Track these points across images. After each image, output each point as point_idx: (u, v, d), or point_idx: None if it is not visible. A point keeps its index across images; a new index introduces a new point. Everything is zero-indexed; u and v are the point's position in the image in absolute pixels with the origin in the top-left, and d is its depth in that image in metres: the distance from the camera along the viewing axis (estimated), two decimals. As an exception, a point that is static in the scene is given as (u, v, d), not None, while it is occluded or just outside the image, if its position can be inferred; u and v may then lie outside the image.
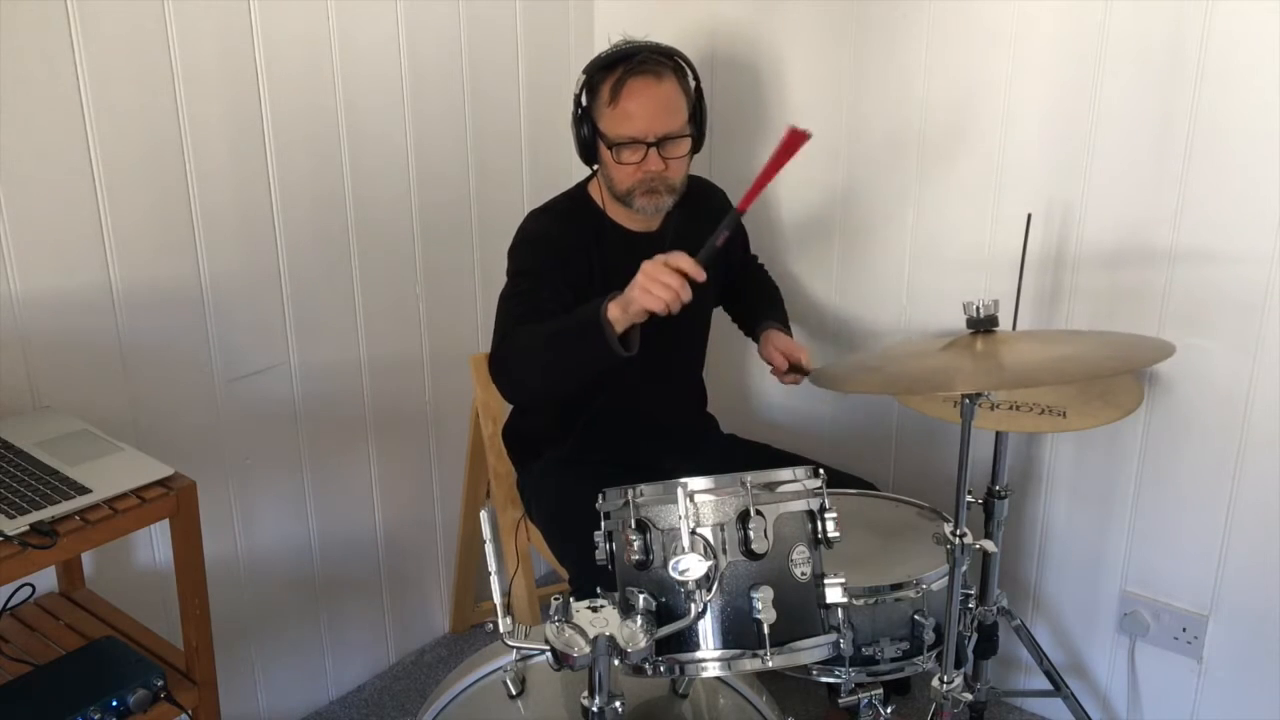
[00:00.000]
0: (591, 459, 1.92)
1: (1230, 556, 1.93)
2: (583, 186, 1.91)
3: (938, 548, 1.58)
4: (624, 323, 1.56)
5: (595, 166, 1.85)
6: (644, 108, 1.72)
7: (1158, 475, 1.97)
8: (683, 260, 1.52)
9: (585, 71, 1.78)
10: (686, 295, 1.52)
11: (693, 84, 1.80)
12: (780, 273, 2.35)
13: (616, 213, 1.87)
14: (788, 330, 2.02)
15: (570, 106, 1.81)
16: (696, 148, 1.82)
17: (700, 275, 1.53)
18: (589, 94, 1.77)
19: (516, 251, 1.84)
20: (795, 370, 1.86)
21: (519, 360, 1.71)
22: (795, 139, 1.49)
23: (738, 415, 2.25)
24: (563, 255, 1.80)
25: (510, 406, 2.06)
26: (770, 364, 1.91)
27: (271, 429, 2.03)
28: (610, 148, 1.74)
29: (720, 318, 2.14)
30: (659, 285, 1.51)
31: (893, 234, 2.18)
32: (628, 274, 1.73)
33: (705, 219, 1.91)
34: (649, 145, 1.74)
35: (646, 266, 1.53)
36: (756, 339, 1.99)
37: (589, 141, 1.79)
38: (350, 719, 2.27)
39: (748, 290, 2.12)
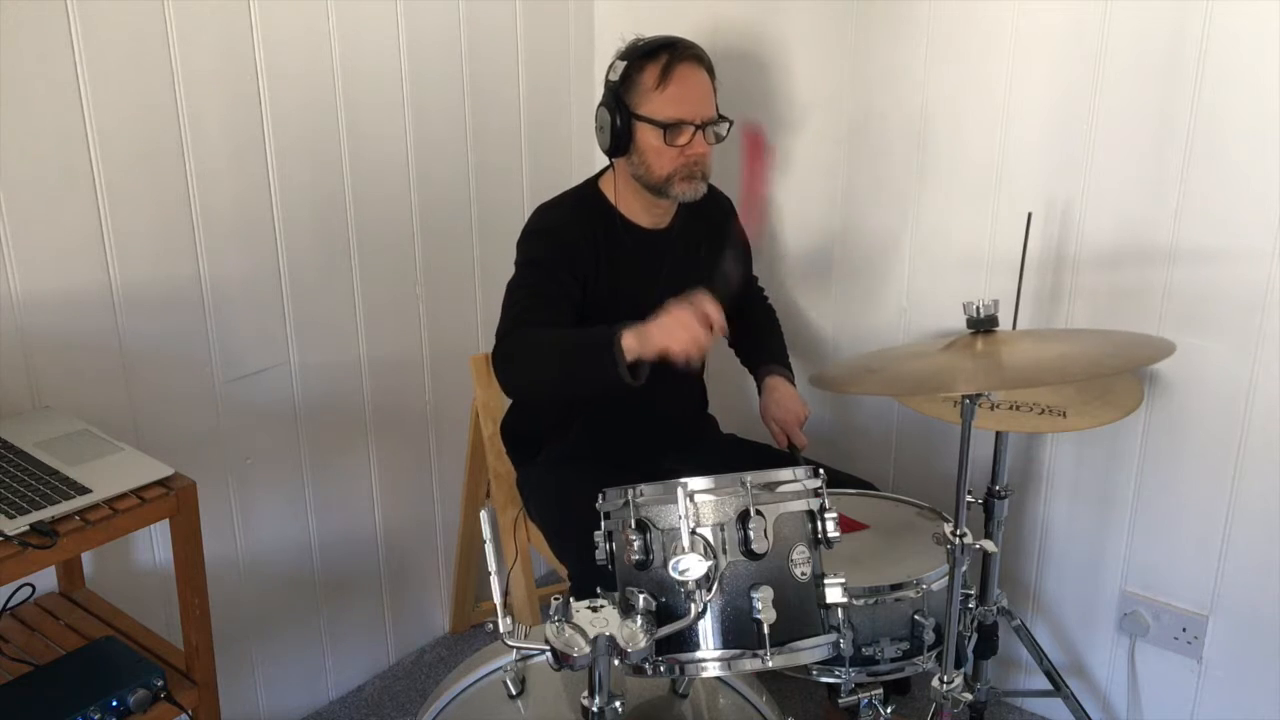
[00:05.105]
0: (591, 458, 1.92)
1: (1230, 556, 1.93)
2: (593, 182, 1.91)
3: (938, 548, 1.57)
4: (637, 355, 1.55)
5: (612, 161, 1.84)
6: (693, 91, 1.75)
7: (1158, 475, 1.97)
8: (711, 308, 1.51)
9: (623, 59, 1.77)
10: (709, 344, 1.52)
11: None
12: (780, 274, 2.36)
13: (629, 208, 1.87)
14: (789, 370, 2.04)
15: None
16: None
17: (723, 328, 1.53)
18: (626, 82, 1.76)
19: (525, 242, 1.84)
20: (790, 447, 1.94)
21: (525, 363, 1.71)
22: (753, 140, 1.48)
23: (738, 415, 2.24)
24: (571, 248, 1.80)
25: (509, 404, 2.06)
26: (769, 430, 1.97)
27: (271, 429, 2.03)
28: (664, 129, 1.73)
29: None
30: (685, 331, 1.50)
31: (892, 234, 2.18)
32: (636, 270, 1.71)
33: (708, 218, 1.92)
34: (697, 127, 1.75)
35: (674, 309, 1.52)
36: (757, 379, 2.03)
37: (623, 129, 1.76)
38: (350, 719, 2.27)
39: (748, 320, 2.13)
